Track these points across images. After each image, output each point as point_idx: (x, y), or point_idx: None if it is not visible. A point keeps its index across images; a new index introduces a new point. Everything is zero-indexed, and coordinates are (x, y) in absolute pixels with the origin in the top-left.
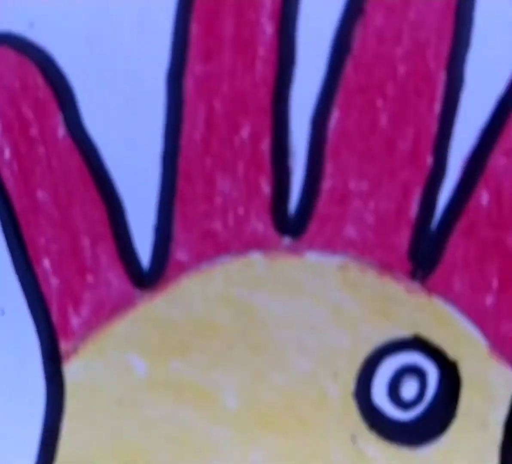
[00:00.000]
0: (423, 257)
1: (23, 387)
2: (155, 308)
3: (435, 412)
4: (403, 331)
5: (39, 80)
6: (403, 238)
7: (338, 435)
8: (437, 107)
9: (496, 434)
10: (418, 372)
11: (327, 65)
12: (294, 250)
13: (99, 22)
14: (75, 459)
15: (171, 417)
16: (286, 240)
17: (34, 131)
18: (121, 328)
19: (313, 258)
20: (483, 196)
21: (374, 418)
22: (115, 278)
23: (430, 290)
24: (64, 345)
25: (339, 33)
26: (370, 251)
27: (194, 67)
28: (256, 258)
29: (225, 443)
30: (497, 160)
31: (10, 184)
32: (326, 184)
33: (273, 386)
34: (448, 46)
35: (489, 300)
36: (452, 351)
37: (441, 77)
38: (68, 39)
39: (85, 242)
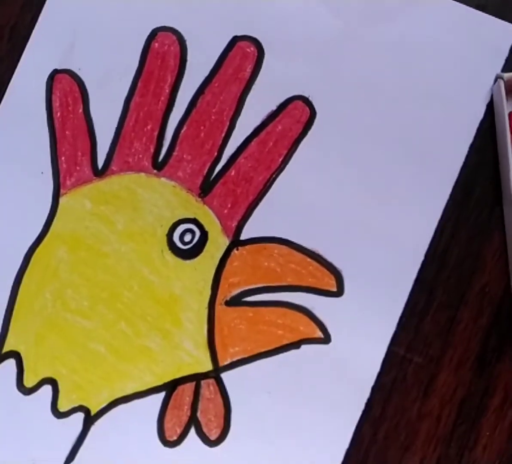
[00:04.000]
0: (205, 190)
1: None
2: (99, 185)
3: (194, 249)
4: (190, 215)
5: (74, 87)
6: (198, 181)
7: (156, 249)
8: (223, 134)
9: (216, 262)
10: (192, 232)
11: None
12: (157, 175)
13: None
14: None
15: None
16: (155, 171)
17: (71, 107)
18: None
19: (164, 180)
20: (233, 172)
21: (172, 246)
22: (87, 170)
23: (205, 203)
24: (62, 191)
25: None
26: (186, 183)
27: None
28: (142, 175)
29: None
30: (241, 161)
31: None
32: (175, 153)
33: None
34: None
35: (225, 211)
36: (207, 227)
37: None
38: None
39: (79, 154)
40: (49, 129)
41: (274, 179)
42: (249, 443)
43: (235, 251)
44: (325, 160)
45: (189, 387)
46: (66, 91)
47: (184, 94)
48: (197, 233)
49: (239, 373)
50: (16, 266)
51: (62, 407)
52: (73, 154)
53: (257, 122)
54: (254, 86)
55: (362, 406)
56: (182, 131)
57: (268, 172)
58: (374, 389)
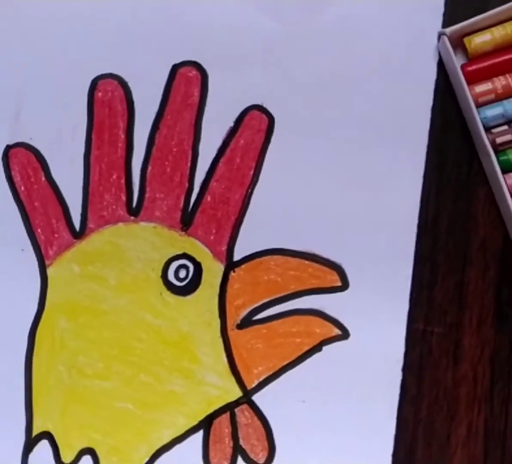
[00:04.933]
0: (186, 222)
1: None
2: (81, 247)
3: (192, 283)
4: (179, 251)
5: (31, 158)
6: (177, 215)
7: (154, 293)
8: (189, 163)
9: (217, 290)
10: (185, 267)
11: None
12: (135, 221)
13: None
14: None
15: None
16: (132, 218)
17: (32, 178)
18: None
19: (143, 224)
20: (209, 198)
21: (169, 285)
22: (65, 235)
23: (190, 235)
24: (47, 262)
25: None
26: (165, 221)
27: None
28: (121, 225)
29: None
30: (214, 184)
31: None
32: (147, 194)
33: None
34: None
35: (212, 237)
36: (198, 257)
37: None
38: None
39: (53, 222)
40: (17, 205)
41: (251, 194)
42: (297, 457)
43: (232, 273)
44: (295, 161)
45: (225, 418)
46: (23, 164)
47: (139, 134)
48: (191, 266)
49: (269, 391)
50: (23, 348)
51: None
52: (48, 223)
53: (219, 142)
54: (206, 108)
55: (397, 390)
56: (148, 171)
57: (242, 188)
58: (404, 369)
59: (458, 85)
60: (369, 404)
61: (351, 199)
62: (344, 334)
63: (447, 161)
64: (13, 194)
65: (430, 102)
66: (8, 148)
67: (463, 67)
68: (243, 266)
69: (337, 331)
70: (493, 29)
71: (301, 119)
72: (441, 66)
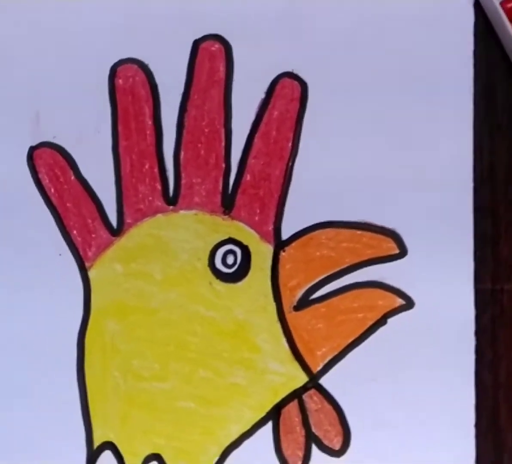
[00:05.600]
0: (228, 205)
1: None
2: (121, 244)
3: (241, 268)
4: (224, 236)
5: (57, 157)
6: (217, 199)
7: (203, 283)
8: (223, 143)
9: (268, 272)
10: (233, 252)
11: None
12: (174, 211)
13: None
14: None
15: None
16: (171, 207)
17: (61, 178)
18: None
19: (183, 212)
20: (248, 176)
21: (218, 274)
22: (103, 234)
23: (233, 218)
24: (87, 264)
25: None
26: (206, 206)
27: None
28: (160, 216)
29: None
30: (252, 162)
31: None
32: (183, 181)
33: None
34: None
35: (256, 218)
36: (245, 241)
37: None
38: None
39: (89, 221)
40: (48, 208)
41: (292, 167)
42: (375, 439)
43: (282, 253)
44: (335, 127)
45: (293, 406)
46: (50, 164)
47: (167, 119)
48: (238, 251)
49: (337, 373)
50: (73, 357)
51: None
52: (84, 224)
53: (251, 117)
54: (234, 83)
55: (472, 355)
56: (181, 156)
57: (282, 162)
58: (477, 333)
59: (499, 24)
60: (444, 374)
61: (398, 161)
62: (408, 303)
63: (496, 107)
64: (43, 197)
65: (471, 47)
66: (32, 149)
67: (502, 4)
68: (293, 244)
69: (400, 301)
70: None
71: (335, 82)
72: (478, 7)
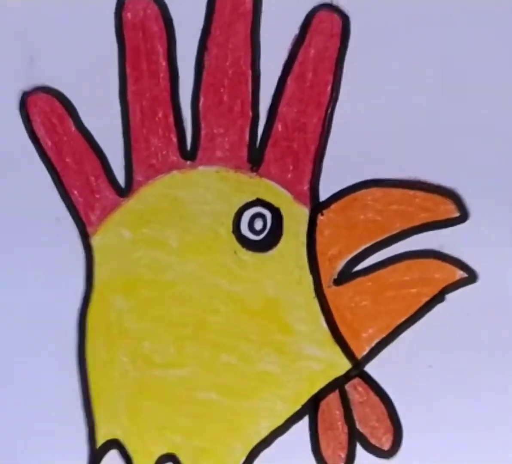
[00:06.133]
0: (255, 161)
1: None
2: (130, 206)
3: (272, 234)
4: (251, 197)
5: (55, 104)
6: (243, 153)
7: (227, 252)
8: (249, 87)
9: (304, 239)
10: (261, 216)
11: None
12: (192, 167)
13: None
14: None
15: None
16: (188, 163)
17: (60, 129)
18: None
19: (202, 169)
20: (280, 126)
21: (245, 241)
22: (109, 194)
23: (262, 175)
24: (89, 230)
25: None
26: (230, 162)
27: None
28: (176, 173)
29: None
30: (284, 109)
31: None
32: (203, 132)
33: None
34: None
35: (289, 176)
36: (275, 202)
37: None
38: None
39: (92, 179)
40: (44, 163)
41: (331, 115)
42: (431, 438)
43: (320, 217)
44: (381, 69)
45: (334, 398)
46: (46, 112)
47: (184, 59)
48: (268, 214)
49: (385, 359)
50: (72, 340)
51: None
52: (86, 182)
53: (283, 56)
54: (263, 16)
55: None
56: (201, 103)
57: (320, 110)
58: None
59: None
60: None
61: (457, 107)
62: (471, 276)
63: None
64: (38, 152)
65: None
66: (25, 95)
67: None
68: (333, 207)
69: (461, 274)
70: None
71: (382, 15)
72: None
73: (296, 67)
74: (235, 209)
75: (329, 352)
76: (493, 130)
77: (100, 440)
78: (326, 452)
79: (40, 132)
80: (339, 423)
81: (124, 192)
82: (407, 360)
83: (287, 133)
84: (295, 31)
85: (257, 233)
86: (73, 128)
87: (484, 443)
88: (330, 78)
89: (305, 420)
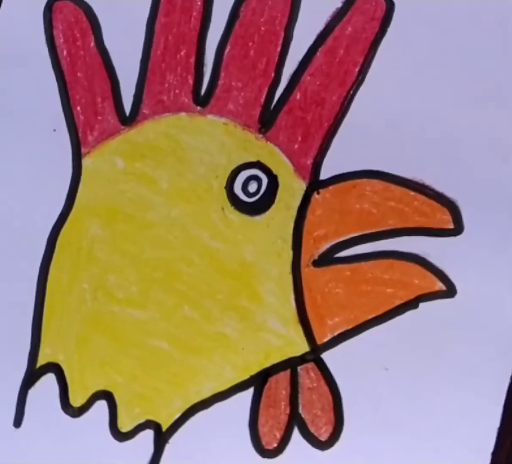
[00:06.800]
0: (266, 123)
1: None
2: (130, 136)
3: (263, 200)
4: (252, 158)
5: (81, 15)
6: (256, 112)
7: (214, 206)
8: (278, 48)
9: (294, 213)
10: (258, 179)
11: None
12: (201, 113)
13: None
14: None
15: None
16: (198, 108)
17: (79, 42)
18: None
19: (211, 117)
20: (298, 95)
21: (235, 200)
22: (111, 119)
23: (269, 139)
24: (83, 150)
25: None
26: (240, 117)
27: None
28: (183, 115)
29: None
30: (307, 78)
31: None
32: (221, 81)
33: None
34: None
35: (296, 146)
36: (275, 170)
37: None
38: None
39: (98, 100)
40: (55, 73)
41: (353, 97)
42: (371, 437)
43: (315, 195)
44: (415, 61)
45: (284, 377)
46: (70, 22)
47: (221, 3)
48: (264, 179)
49: (344, 350)
50: (38, 254)
51: (124, 426)
52: (91, 101)
53: (320, 26)
54: None
55: (511, 366)
56: (226, 51)
57: (343, 88)
58: None
59: None
60: (471, 382)
61: (478, 119)
62: (450, 290)
63: None
64: (52, 59)
65: None
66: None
67: None
68: (330, 188)
69: (440, 286)
70: None
71: (428, 9)
72: None
73: (329, 41)
74: (233, 166)
75: (291, 330)
76: (495, 148)
77: (41, 360)
78: (262, 429)
79: (59, 40)
80: (283, 403)
81: (127, 121)
82: (365, 357)
83: (304, 103)
84: (338, 4)
85: (249, 195)
86: (92, 44)
87: (423, 453)
88: (361, 59)
89: (250, 391)
